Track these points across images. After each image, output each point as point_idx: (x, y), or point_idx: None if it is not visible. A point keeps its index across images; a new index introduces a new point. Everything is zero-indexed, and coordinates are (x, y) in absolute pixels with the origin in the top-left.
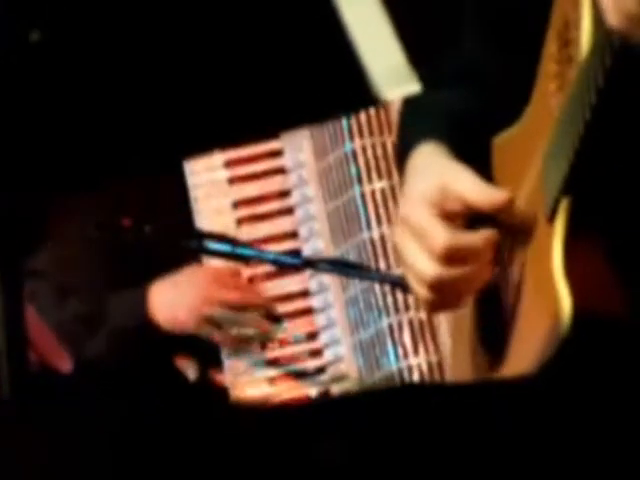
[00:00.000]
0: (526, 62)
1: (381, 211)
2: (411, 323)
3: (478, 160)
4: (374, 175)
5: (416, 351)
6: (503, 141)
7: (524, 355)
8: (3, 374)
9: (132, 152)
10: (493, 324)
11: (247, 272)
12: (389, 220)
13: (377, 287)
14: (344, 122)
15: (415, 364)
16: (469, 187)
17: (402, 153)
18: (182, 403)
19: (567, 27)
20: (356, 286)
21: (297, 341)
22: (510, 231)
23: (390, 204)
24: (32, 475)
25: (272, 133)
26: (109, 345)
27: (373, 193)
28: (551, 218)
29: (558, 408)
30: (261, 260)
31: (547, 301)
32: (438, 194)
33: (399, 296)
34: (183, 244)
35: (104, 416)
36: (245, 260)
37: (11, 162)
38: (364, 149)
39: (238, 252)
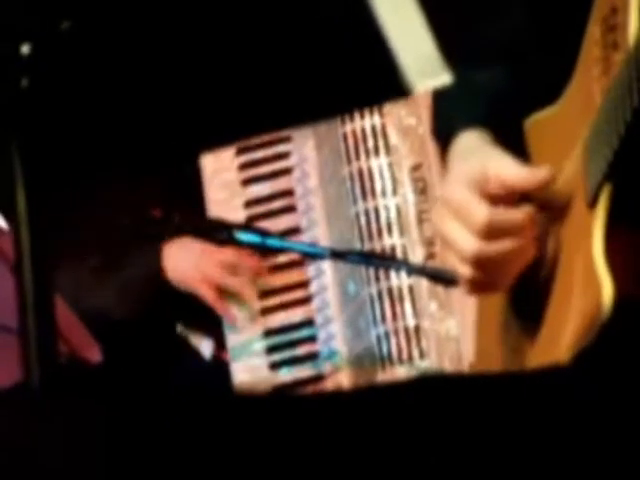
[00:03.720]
0: (565, 45)
1: (367, 187)
2: (390, 291)
3: (515, 140)
4: (362, 154)
5: (394, 317)
6: (540, 122)
7: (559, 339)
8: (33, 365)
9: (159, 141)
10: (525, 304)
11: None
12: (374, 195)
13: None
14: None
15: (392, 329)
16: (509, 169)
17: (442, 136)
18: (201, 390)
19: (614, 12)
20: (346, 266)
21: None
22: (546, 212)
23: (377, 182)
24: (59, 462)
25: (306, 123)
26: (120, 293)
27: (361, 171)
28: (592, 203)
29: (595, 397)
30: (289, 251)
31: (587, 286)
32: (479, 176)
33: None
34: (212, 235)
35: (119, 407)
36: (274, 251)
37: (42, 152)
38: (354, 132)
39: (267, 243)
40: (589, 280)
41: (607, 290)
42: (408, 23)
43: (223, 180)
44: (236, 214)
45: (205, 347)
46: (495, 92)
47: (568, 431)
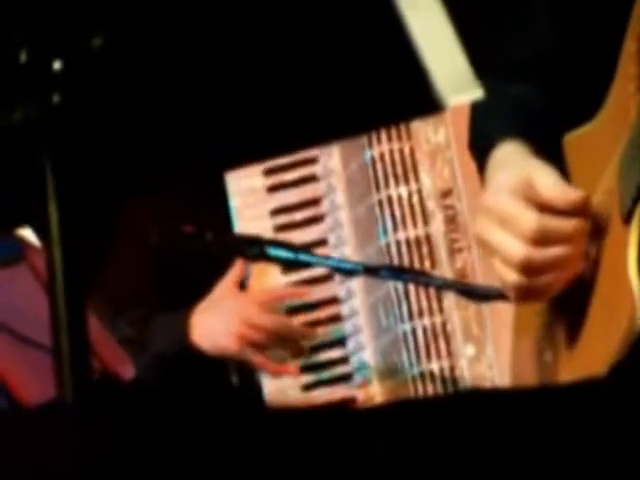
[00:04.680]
0: (601, 59)
1: (398, 216)
2: (425, 329)
3: (553, 155)
4: (391, 181)
5: (429, 357)
6: (578, 138)
7: (595, 353)
8: (66, 380)
9: (189, 157)
10: (563, 319)
11: (283, 279)
12: (405, 225)
13: (394, 294)
14: None
15: (428, 369)
16: (549, 185)
17: (480, 149)
18: (228, 407)
19: None
20: (377, 292)
21: (326, 347)
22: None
23: (407, 211)
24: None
25: (337, 138)
26: (149, 369)
27: (390, 199)
28: (627, 219)
29: (630, 411)
30: (322, 266)
31: (622, 302)
32: (524, 185)
33: (414, 303)
34: (244, 251)
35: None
36: (306, 266)
37: (75, 168)
38: (382, 156)
39: (299, 258)
40: (624, 295)
41: None
42: (439, 37)
43: (247, 187)
44: (262, 223)
45: (232, 373)
46: (530, 106)
47: (603, 444)
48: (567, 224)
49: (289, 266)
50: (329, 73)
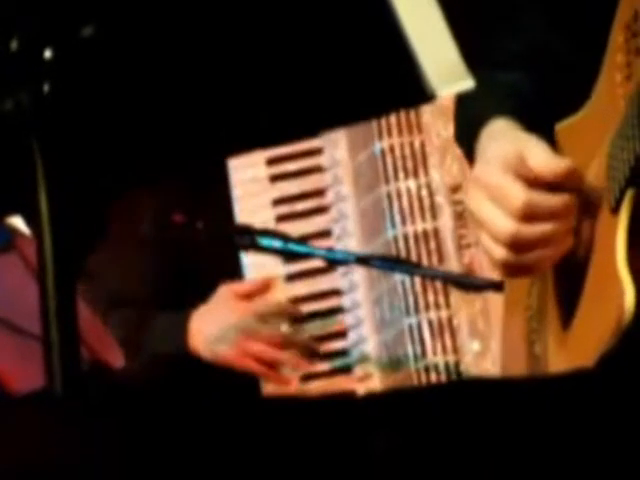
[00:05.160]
0: (589, 50)
1: (406, 210)
2: (431, 323)
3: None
4: (401, 174)
5: (434, 351)
6: (567, 128)
7: (585, 345)
8: (55, 370)
9: (181, 147)
10: (553, 311)
11: (283, 270)
12: (413, 219)
13: (400, 288)
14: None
15: (433, 364)
16: (540, 156)
17: (469, 134)
18: (227, 396)
19: (637, 18)
20: (382, 286)
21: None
22: (578, 209)
23: (415, 205)
24: (82, 469)
25: (327, 128)
26: (145, 369)
27: (399, 192)
28: (615, 209)
29: (617, 402)
30: (312, 256)
31: (610, 292)
32: (514, 159)
33: (420, 297)
34: (235, 240)
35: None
36: (296, 256)
37: (65, 157)
38: (392, 148)
39: (290, 248)
40: (612, 285)
41: (629, 296)
42: (430, 28)
43: (250, 176)
44: (264, 213)
45: None
46: (521, 94)
47: (591, 435)
48: (555, 200)
49: (281, 256)
50: (320, 65)
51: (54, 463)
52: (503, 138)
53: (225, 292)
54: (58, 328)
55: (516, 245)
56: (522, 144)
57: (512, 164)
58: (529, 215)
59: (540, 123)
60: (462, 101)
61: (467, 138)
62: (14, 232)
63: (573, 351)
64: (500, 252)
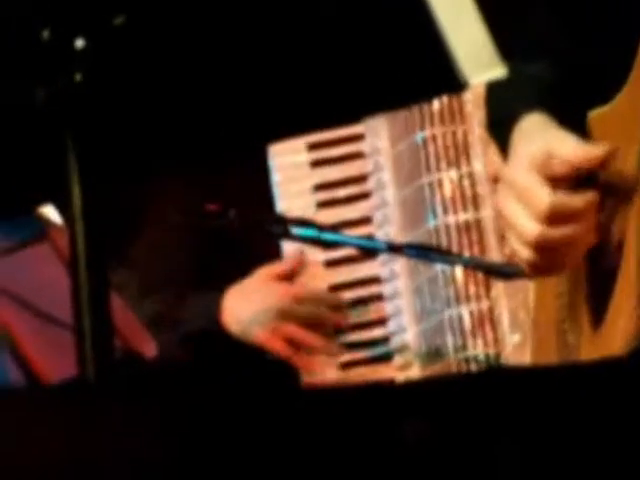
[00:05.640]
0: (623, 37)
1: (448, 200)
2: (471, 315)
3: (575, 131)
4: (443, 164)
5: (474, 342)
6: (600, 117)
7: (618, 335)
8: (87, 359)
9: (215, 135)
10: (587, 300)
11: (322, 256)
12: (455, 209)
13: (441, 278)
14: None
15: (472, 355)
16: (573, 148)
17: (501, 127)
18: (262, 384)
19: None
20: (423, 275)
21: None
22: (613, 199)
23: (457, 193)
24: (114, 457)
25: (361, 116)
26: (180, 347)
27: (441, 182)
28: None
29: None
30: (346, 245)
31: None
32: (544, 157)
33: (461, 287)
34: (268, 229)
35: (180, 400)
36: (329, 245)
37: (97, 147)
38: (434, 138)
39: (323, 237)
40: None
41: None
42: (463, 16)
43: (291, 162)
44: (304, 199)
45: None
46: (550, 84)
47: (623, 423)
48: (580, 201)
49: (315, 245)
50: (355, 54)
51: (87, 452)
52: (531, 137)
53: (263, 273)
54: (90, 317)
55: (542, 247)
56: (549, 141)
57: (538, 162)
58: (554, 218)
59: (569, 113)
60: (491, 91)
61: (499, 135)
62: (46, 223)
63: (606, 343)
64: (527, 253)
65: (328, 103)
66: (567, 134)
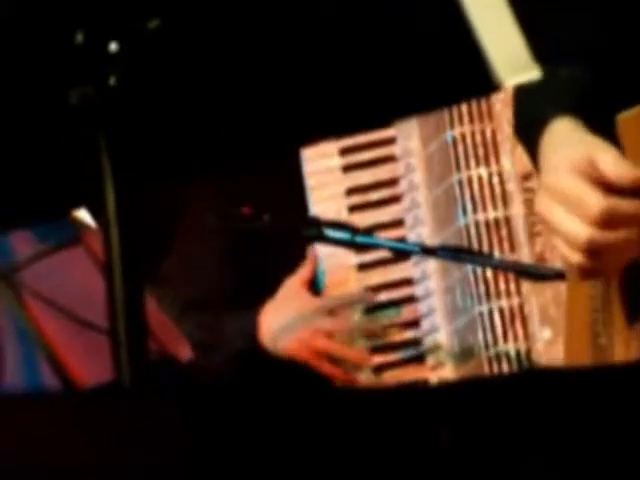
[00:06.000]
0: None
1: (477, 198)
2: (502, 311)
3: (605, 134)
4: (472, 162)
5: (505, 339)
6: (630, 118)
7: None
8: (123, 363)
9: (249, 138)
10: (620, 302)
11: (355, 260)
12: (485, 207)
13: (472, 276)
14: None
15: (504, 352)
16: (611, 162)
17: (530, 130)
18: (295, 388)
19: None
20: (454, 274)
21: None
22: None
23: (487, 191)
24: (149, 462)
25: (396, 119)
26: (219, 369)
27: (470, 180)
28: None
29: None
30: (379, 247)
31: None
32: (584, 164)
33: (491, 284)
34: (302, 232)
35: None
36: (363, 248)
37: (131, 150)
38: (463, 137)
39: (357, 240)
40: None
41: None
42: (496, 17)
43: (323, 166)
44: (337, 203)
45: None
46: (580, 86)
47: None
48: (631, 205)
49: (348, 247)
50: (388, 56)
51: (122, 457)
52: (568, 143)
53: (291, 283)
54: (126, 321)
55: (593, 251)
56: (590, 148)
57: (582, 169)
58: (607, 221)
59: (600, 115)
60: (520, 92)
61: (528, 137)
62: (80, 226)
63: (638, 346)
64: (577, 258)
65: (364, 107)
66: (605, 144)
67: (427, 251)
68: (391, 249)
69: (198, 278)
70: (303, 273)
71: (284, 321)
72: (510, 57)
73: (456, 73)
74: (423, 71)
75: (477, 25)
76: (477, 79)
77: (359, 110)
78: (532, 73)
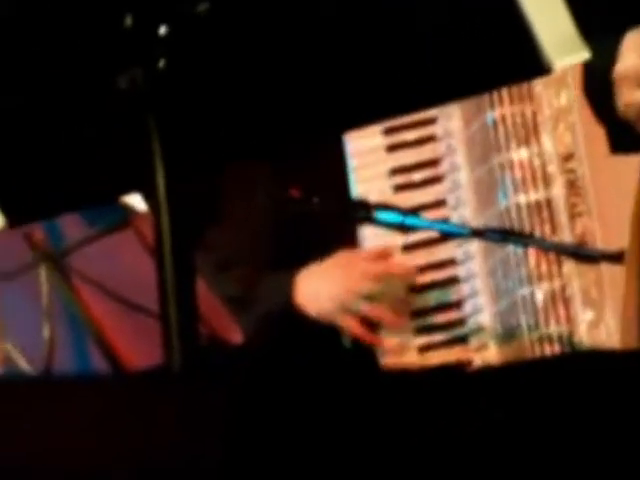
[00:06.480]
0: None
1: (518, 179)
2: (544, 293)
3: None
4: (513, 144)
5: (547, 321)
6: None
7: None
8: (173, 346)
9: (296, 122)
10: None
11: (400, 241)
12: (526, 189)
13: (513, 258)
14: None
15: (546, 334)
16: None
17: (596, 86)
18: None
19: None
20: (496, 255)
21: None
22: None
23: (527, 174)
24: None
25: (449, 101)
26: (255, 327)
27: (511, 162)
28: None
29: None
30: (429, 229)
31: None
32: None
33: (533, 266)
34: (351, 214)
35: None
36: (413, 230)
37: (181, 134)
38: (504, 118)
39: (406, 222)
40: None
41: None
42: (547, 2)
43: (367, 146)
44: (380, 183)
45: (345, 336)
46: None
47: None
48: None
49: (397, 229)
50: (439, 38)
51: (171, 439)
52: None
53: (343, 256)
54: (176, 305)
55: None
56: None
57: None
58: None
59: None
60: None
61: (595, 90)
62: (129, 209)
63: None
64: None
65: (417, 90)
66: None
67: (477, 233)
68: (440, 231)
69: (241, 244)
70: (360, 254)
71: (325, 284)
72: (560, 38)
73: (508, 56)
74: (475, 54)
75: (527, 8)
76: (528, 61)
77: (413, 93)
78: (582, 54)
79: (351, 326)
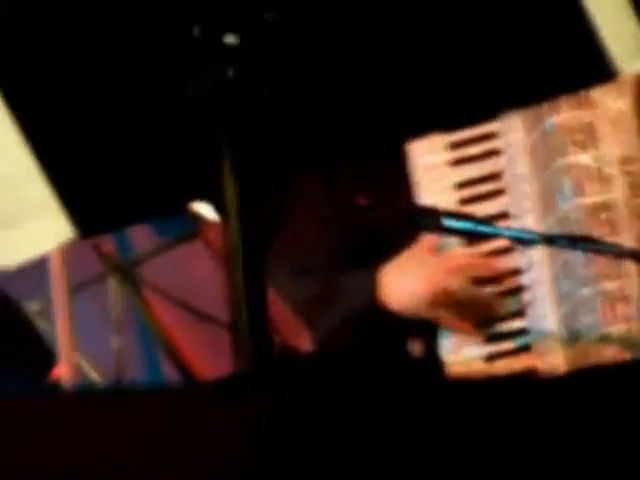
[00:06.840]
0: None
1: (578, 183)
2: (604, 294)
3: None
4: (571, 148)
5: (608, 321)
6: None
7: None
8: (245, 356)
9: (364, 130)
10: None
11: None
12: (586, 193)
13: (574, 260)
14: None
15: (608, 335)
16: None
17: None
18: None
19: None
20: (558, 260)
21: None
22: None
23: (586, 178)
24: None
25: (521, 107)
26: (341, 325)
27: (570, 166)
28: None
29: None
30: (501, 237)
31: None
32: None
33: (593, 268)
34: (419, 222)
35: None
36: (484, 237)
37: (251, 143)
38: (562, 123)
39: (478, 229)
40: None
41: None
42: (613, 6)
43: (431, 161)
44: (446, 197)
45: (416, 346)
46: None
47: None
48: None
49: (467, 237)
50: (504, 46)
51: (246, 447)
52: None
53: (413, 250)
54: (248, 314)
55: None
56: None
57: None
58: None
59: None
60: None
61: None
62: (199, 219)
63: None
64: None
65: (487, 98)
66: None
67: (549, 240)
68: (513, 238)
69: (310, 253)
70: (424, 244)
71: (407, 280)
72: (627, 44)
73: (576, 61)
74: (543, 60)
75: (595, 13)
76: (596, 67)
77: (485, 101)
78: None
79: (445, 318)
